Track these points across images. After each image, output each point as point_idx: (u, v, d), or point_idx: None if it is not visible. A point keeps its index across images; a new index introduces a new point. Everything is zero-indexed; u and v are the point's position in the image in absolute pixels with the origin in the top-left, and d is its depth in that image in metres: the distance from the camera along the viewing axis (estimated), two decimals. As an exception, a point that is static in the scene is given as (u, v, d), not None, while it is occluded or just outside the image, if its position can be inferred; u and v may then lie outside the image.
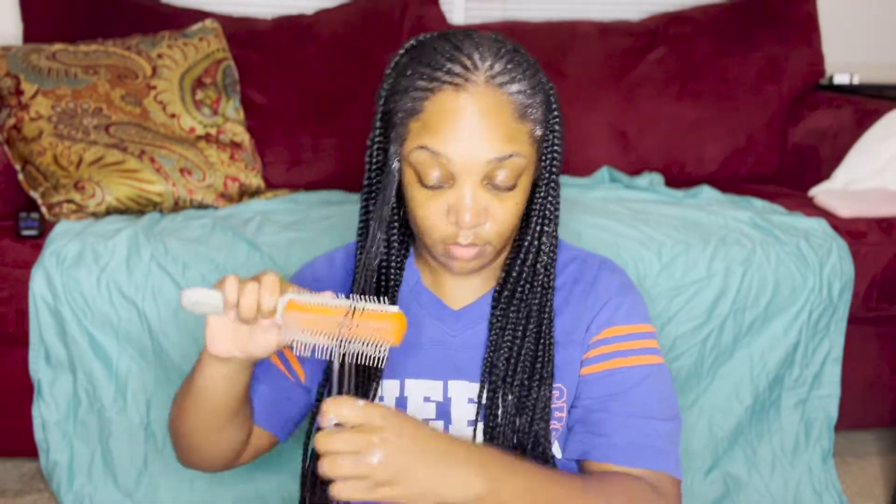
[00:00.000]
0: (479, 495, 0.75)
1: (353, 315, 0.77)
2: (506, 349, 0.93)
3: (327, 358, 0.79)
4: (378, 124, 0.91)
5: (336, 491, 0.70)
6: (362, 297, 0.81)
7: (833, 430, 1.76)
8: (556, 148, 0.91)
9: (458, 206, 0.84)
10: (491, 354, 0.93)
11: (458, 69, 0.83)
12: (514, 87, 0.84)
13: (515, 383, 0.92)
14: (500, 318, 0.94)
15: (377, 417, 0.71)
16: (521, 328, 0.93)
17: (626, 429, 0.90)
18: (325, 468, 0.70)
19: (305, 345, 0.79)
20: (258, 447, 1.00)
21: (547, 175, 0.92)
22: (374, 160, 0.92)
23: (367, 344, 0.77)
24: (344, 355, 0.78)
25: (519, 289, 0.94)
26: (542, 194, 0.92)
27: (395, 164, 0.88)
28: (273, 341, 0.82)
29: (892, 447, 1.99)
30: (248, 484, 1.61)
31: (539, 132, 0.87)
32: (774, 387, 1.72)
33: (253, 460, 1.02)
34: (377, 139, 0.91)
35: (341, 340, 0.77)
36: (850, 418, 1.82)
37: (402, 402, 0.96)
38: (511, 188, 0.86)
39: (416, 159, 0.85)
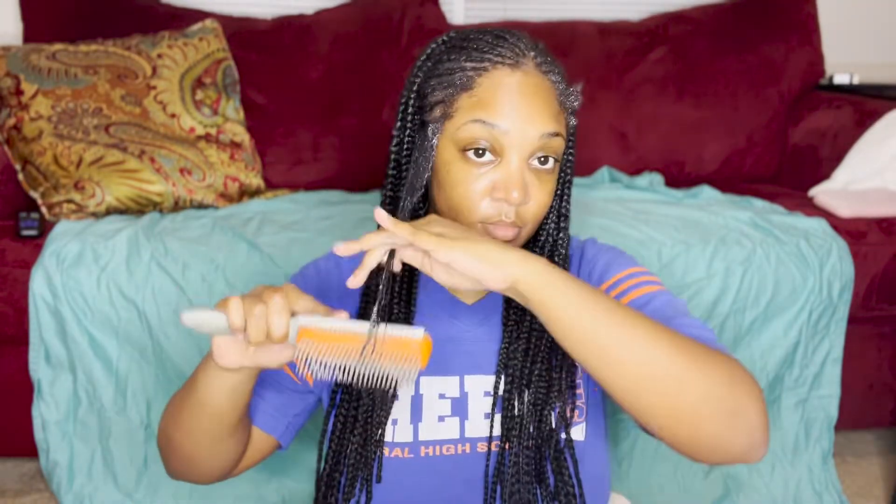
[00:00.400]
0: (539, 271, 0.76)
1: (374, 343, 0.73)
2: (523, 342, 0.93)
3: (348, 382, 0.74)
4: (410, 110, 0.91)
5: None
6: (379, 316, 0.76)
7: (833, 430, 1.76)
8: (573, 148, 0.95)
9: (506, 182, 0.85)
10: (506, 348, 0.94)
11: (508, 53, 0.87)
12: (555, 77, 0.89)
13: (534, 376, 0.93)
14: (516, 312, 0.95)
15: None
16: (538, 322, 0.93)
17: None
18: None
19: (323, 372, 0.74)
20: (258, 453, 0.98)
21: (563, 174, 0.95)
22: (405, 148, 0.92)
23: (391, 370, 0.73)
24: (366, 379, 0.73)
25: None
26: (559, 192, 0.95)
27: (434, 141, 0.89)
28: (286, 355, 0.78)
29: (892, 447, 1.99)
30: (248, 484, 1.60)
31: (572, 122, 0.92)
32: (775, 387, 1.72)
33: (249, 469, 0.99)
34: (409, 125, 0.92)
35: (364, 369, 0.73)
36: (850, 418, 1.82)
37: (417, 400, 0.95)
38: (550, 170, 0.88)
39: (467, 133, 0.86)
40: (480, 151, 0.86)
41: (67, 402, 1.58)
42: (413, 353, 0.73)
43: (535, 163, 0.87)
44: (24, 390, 1.60)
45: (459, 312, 0.98)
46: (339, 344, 0.73)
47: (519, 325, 0.94)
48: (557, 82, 0.89)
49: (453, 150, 0.87)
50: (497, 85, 0.86)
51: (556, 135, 0.87)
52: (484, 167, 0.86)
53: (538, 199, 0.88)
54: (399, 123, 0.93)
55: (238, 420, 0.88)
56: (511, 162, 0.86)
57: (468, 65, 0.87)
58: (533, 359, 0.93)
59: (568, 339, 0.76)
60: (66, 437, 1.59)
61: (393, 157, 0.94)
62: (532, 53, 0.88)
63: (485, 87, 0.86)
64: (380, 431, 0.93)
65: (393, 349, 0.73)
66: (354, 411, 0.94)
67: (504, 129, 0.85)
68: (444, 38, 0.92)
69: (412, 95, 0.91)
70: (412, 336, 0.73)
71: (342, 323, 0.75)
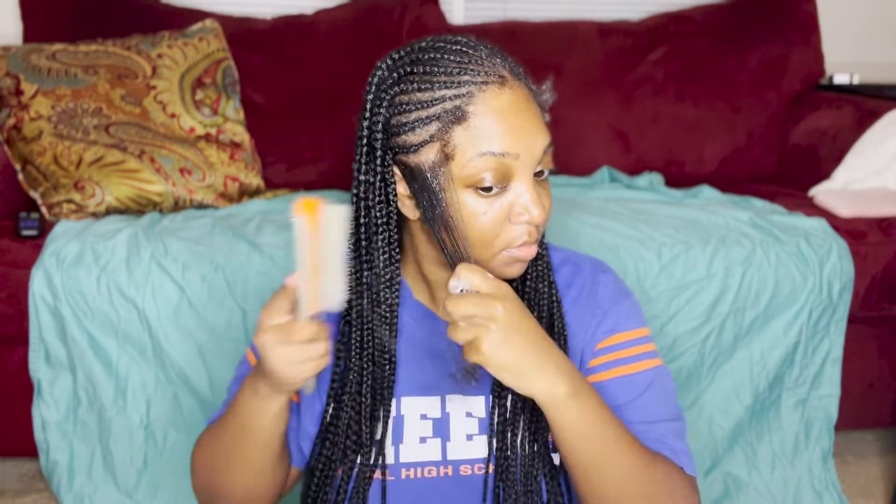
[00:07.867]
0: (560, 398, 0.79)
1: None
2: None
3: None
4: (378, 147, 0.84)
5: (454, 335, 0.78)
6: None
7: (833, 430, 1.76)
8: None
9: (525, 204, 0.82)
10: None
11: (483, 69, 0.81)
12: (528, 81, 0.85)
13: (530, 400, 0.89)
14: None
15: (504, 289, 0.78)
16: None
17: (639, 435, 0.89)
18: (450, 331, 0.78)
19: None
20: (291, 481, 0.99)
21: None
22: (374, 189, 0.86)
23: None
24: None
25: (527, 293, 0.92)
26: None
27: (435, 185, 0.81)
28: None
29: (892, 447, 1.99)
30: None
31: (547, 119, 0.88)
32: (774, 387, 1.72)
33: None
34: (378, 166, 0.85)
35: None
36: (850, 418, 1.82)
37: (398, 421, 0.93)
38: (546, 177, 0.85)
39: (475, 169, 0.80)
40: (493, 183, 0.81)
41: (67, 402, 1.59)
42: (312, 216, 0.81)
43: (538, 172, 0.84)
44: (24, 390, 1.60)
45: (440, 328, 0.94)
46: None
47: None
48: (530, 85, 0.85)
49: (459, 188, 0.81)
50: (493, 110, 0.80)
51: (551, 142, 0.84)
52: (496, 194, 0.82)
53: (546, 208, 0.85)
54: (363, 163, 0.86)
55: (284, 446, 0.91)
56: (522, 182, 0.82)
57: (447, 93, 0.80)
58: None
59: (564, 448, 0.83)
60: (66, 437, 1.59)
61: (357, 200, 0.88)
62: (499, 60, 0.82)
63: (480, 115, 0.80)
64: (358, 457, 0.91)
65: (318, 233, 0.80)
66: (342, 437, 0.92)
67: (516, 152, 0.80)
68: (389, 61, 0.84)
69: (376, 132, 0.83)
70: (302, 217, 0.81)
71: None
